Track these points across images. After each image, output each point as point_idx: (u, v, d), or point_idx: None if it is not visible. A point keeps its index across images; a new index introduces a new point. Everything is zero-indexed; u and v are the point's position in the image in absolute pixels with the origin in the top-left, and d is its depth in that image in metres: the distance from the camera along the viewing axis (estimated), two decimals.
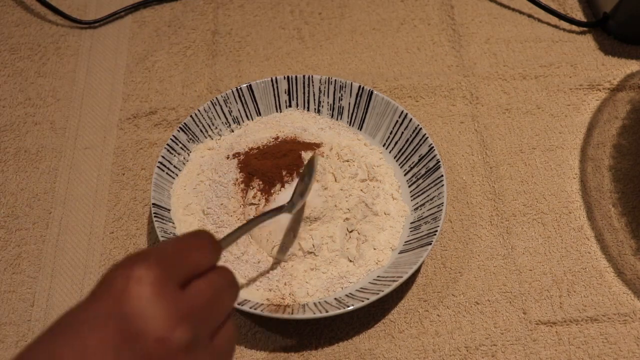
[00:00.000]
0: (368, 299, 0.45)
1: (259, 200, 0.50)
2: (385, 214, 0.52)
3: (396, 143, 0.55)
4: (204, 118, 0.55)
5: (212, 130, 0.56)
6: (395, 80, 0.61)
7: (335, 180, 0.52)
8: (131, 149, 0.58)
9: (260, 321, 0.49)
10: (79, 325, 0.27)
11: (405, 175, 0.54)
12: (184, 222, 0.51)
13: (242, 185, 0.51)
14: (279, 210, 0.46)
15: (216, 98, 0.55)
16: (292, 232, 0.50)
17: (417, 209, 0.52)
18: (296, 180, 0.51)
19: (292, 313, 0.46)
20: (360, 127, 0.57)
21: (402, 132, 0.54)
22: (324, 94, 0.57)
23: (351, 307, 0.45)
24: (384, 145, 0.56)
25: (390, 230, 0.51)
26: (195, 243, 0.31)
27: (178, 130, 0.54)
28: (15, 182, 0.56)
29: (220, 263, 0.33)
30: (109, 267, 0.29)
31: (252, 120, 0.57)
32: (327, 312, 0.45)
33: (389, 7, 0.67)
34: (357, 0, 0.68)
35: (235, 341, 0.32)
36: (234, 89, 0.56)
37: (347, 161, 0.53)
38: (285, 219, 0.49)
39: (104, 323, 0.27)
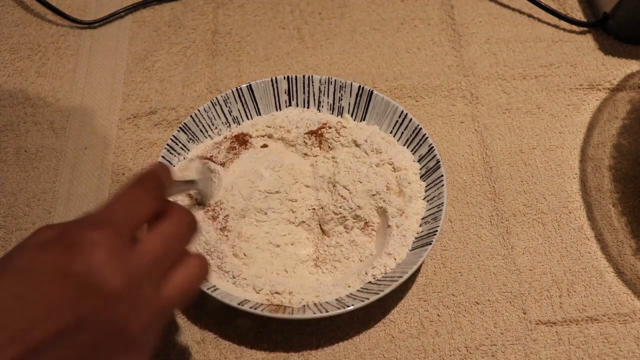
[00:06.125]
0: (368, 299, 0.45)
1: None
2: None
3: None
4: (204, 118, 0.55)
5: (212, 130, 0.56)
6: (395, 80, 0.61)
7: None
8: (131, 148, 0.58)
9: (260, 321, 0.49)
10: (29, 273, 0.29)
11: None
12: None
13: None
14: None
15: (216, 98, 0.55)
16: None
17: None
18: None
19: (292, 313, 0.46)
20: None
21: (402, 132, 0.54)
22: (324, 93, 0.57)
23: (351, 307, 0.45)
24: None
25: None
26: (138, 196, 0.33)
27: (178, 130, 0.54)
28: (15, 182, 0.56)
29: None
30: (59, 226, 0.31)
31: (252, 120, 0.57)
32: (327, 312, 0.45)
33: (389, 7, 0.67)
34: (357, 0, 0.68)
35: (199, 278, 0.35)
36: (234, 89, 0.56)
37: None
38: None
39: (60, 276, 0.29)
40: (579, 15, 0.65)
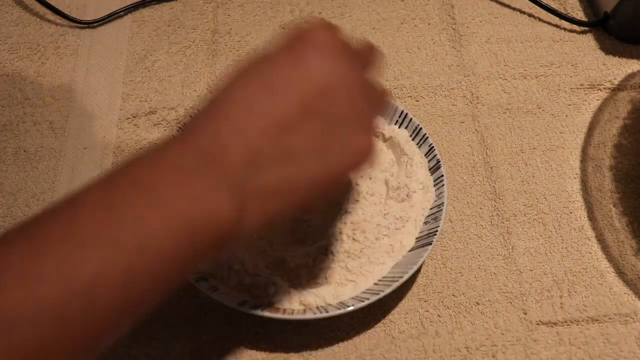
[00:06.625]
0: (368, 299, 0.45)
1: None
2: None
3: None
4: None
5: None
6: (395, 80, 0.61)
7: None
8: (130, 148, 0.58)
9: (260, 321, 0.49)
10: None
11: None
12: None
13: None
14: None
15: None
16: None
17: None
18: None
19: (292, 313, 0.45)
20: None
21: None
22: None
23: (351, 307, 0.45)
24: None
25: None
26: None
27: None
28: (14, 182, 0.56)
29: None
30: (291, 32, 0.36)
31: None
32: (327, 312, 0.45)
33: (389, 6, 0.67)
34: (357, 0, 0.68)
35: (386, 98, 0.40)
36: None
37: None
38: None
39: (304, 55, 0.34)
40: (580, 15, 0.65)
